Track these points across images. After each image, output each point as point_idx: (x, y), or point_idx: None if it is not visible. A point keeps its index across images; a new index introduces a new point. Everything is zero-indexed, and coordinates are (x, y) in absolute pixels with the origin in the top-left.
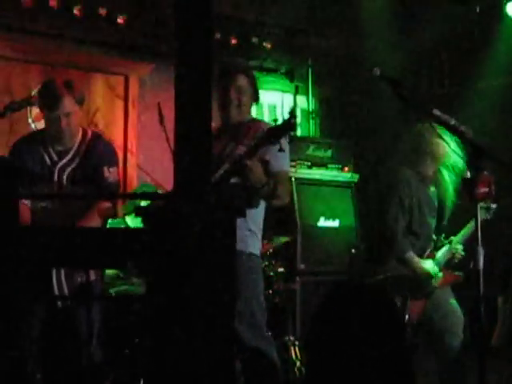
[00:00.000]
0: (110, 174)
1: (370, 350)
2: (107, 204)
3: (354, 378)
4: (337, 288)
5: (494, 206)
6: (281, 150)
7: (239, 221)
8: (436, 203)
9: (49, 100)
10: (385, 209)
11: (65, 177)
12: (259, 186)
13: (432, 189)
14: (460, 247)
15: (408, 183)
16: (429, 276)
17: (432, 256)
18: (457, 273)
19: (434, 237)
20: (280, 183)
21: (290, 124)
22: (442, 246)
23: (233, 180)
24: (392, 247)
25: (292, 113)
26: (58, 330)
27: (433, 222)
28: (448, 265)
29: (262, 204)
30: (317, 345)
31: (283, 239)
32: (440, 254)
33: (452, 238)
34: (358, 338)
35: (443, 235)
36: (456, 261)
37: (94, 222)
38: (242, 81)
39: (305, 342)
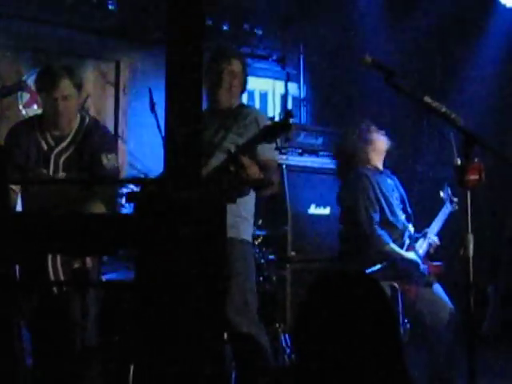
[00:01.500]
0: (109, 160)
1: (359, 337)
2: (108, 191)
3: (344, 366)
4: (324, 275)
5: (455, 199)
6: (277, 148)
7: (231, 206)
8: (399, 193)
9: (47, 82)
10: (354, 206)
11: (61, 163)
12: (255, 184)
13: (389, 180)
14: (435, 238)
15: (366, 176)
16: (415, 265)
17: (412, 248)
18: (436, 263)
19: (410, 227)
20: (269, 171)
21: (286, 124)
22: (417, 238)
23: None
24: (371, 242)
25: (289, 112)
26: (51, 315)
27: (400, 213)
28: (426, 256)
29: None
30: (305, 333)
31: None
32: (418, 246)
33: (426, 230)
34: (346, 325)
35: (412, 227)
36: (432, 251)
37: (97, 208)
38: (236, 66)
39: (293, 330)
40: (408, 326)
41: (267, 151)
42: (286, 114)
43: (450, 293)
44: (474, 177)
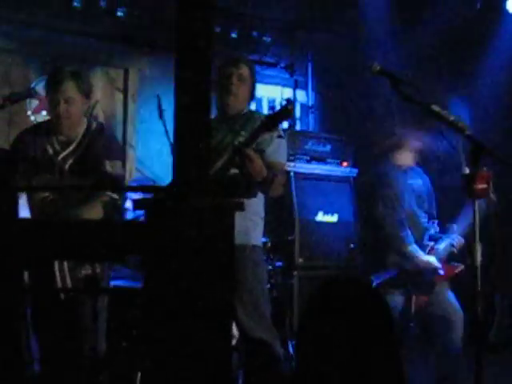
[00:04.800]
0: (112, 168)
1: (357, 344)
2: (107, 197)
3: (343, 372)
4: (326, 283)
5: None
6: (280, 136)
7: (241, 213)
8: (424, 194)
9: (51, 83)
10: (377, 205)
11: (66, 168)
12: (259, 178)
13: (415, 180)
14: (459, 238)
15: (386, 175)
16: (433, 270)
17: (433, 252)
18: (456, 264)
19: (433, 228)
20: (275, 172)
21: (287, 110)
22: (440, 239)
23: (232, 171)
24: (392, 242)
25: (289, 100)
26: (60, 321)
27: (422, 214)
28: (448, 257)
29: (262, 194)
30: (306, 339)
31: None
32: (441, 248)
33: (453, 225)
34: (346, 332)
35: (435, 222)
36: (456, 251)
37: (95, 213)
38: (244, 70)
39: (296, 337)
40: (416, 330)
41: (274, 154)
42: (287, 101)
43: (460, 301)
44: (481, 186)
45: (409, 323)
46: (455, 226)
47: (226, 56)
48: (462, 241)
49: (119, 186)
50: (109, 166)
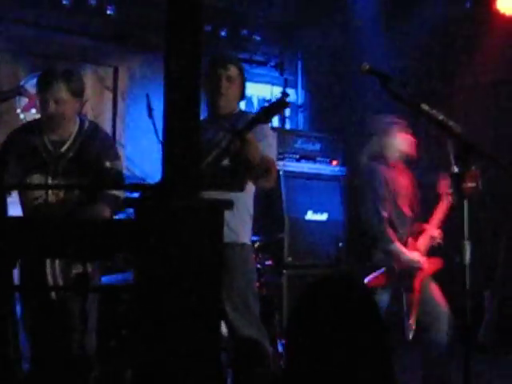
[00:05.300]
0: (113, 167)
1: (347, 343)
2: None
3: (332, 370)
4: (315, 282)
5: (451, 191)
6: (272, 128)
7: (230, 211)
8: (409, 191)
9: (41, 83)
10: (363, 203)
11: (60, 168)
12: (255, 163)
13: (402, 177)
14: (437, 232)
15: (376, 172)
16: (417, 266)
17: (415, 248)
18: (435, 258)
19: (416, 226)
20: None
21: (283, 102)
22: (418, 236)
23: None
24: (377, 240)
25: (284, 92)
26: (50, 320)
27: (408, 211)
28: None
29: (252, 191)
30: (296, 338)
31: None
32: (421, 243)
33: (426, 226)
34: (335, 331)
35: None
36: (435, 245)
37: (105, 213)
38: (233, 71)
39: (285, 335)
40: (413, 326)
41: (265, 150)
42: (282, 93)
43: (449, 300)
44: (471, 184)
45: (403, 323)
46: (429, 224)
47: (213, 55)
48: (438, 234)
49: (121, 183)
50: (109, 166)
